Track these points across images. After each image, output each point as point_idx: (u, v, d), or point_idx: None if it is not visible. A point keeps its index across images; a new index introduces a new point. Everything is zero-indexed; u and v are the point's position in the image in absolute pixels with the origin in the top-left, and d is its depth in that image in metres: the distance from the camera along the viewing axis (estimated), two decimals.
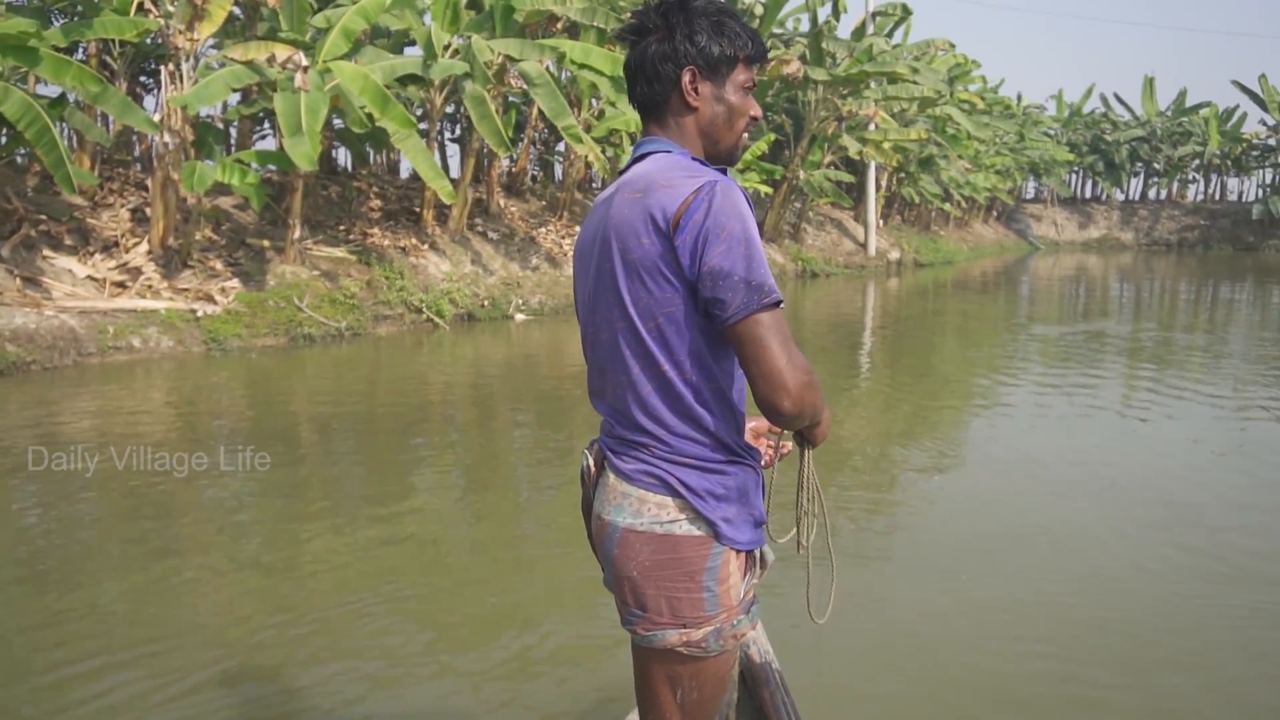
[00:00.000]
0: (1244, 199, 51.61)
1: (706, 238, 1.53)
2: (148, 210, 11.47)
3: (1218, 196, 51.97)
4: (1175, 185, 51.98)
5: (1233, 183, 52.50)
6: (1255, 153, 48.28)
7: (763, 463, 1.80)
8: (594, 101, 17.08)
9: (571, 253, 16.22)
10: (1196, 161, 49.19)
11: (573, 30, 15.41)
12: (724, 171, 1.65)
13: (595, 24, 13.97)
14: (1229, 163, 48.51)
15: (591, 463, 1.77)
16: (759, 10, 21.92)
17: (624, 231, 1.61)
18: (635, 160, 1.72)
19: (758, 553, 1.71)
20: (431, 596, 4.04)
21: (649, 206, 1.58)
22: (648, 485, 1.64)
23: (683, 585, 1.63)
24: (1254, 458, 6.42)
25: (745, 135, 1.77)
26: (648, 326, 1.61)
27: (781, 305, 1.56)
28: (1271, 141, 46.80)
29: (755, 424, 1.83)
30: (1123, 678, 3.30)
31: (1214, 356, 11.45)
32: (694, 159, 1.68)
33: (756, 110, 1.78)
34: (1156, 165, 50.77)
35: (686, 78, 1.68)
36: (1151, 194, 53.46)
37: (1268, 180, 48.75)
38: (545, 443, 7.06)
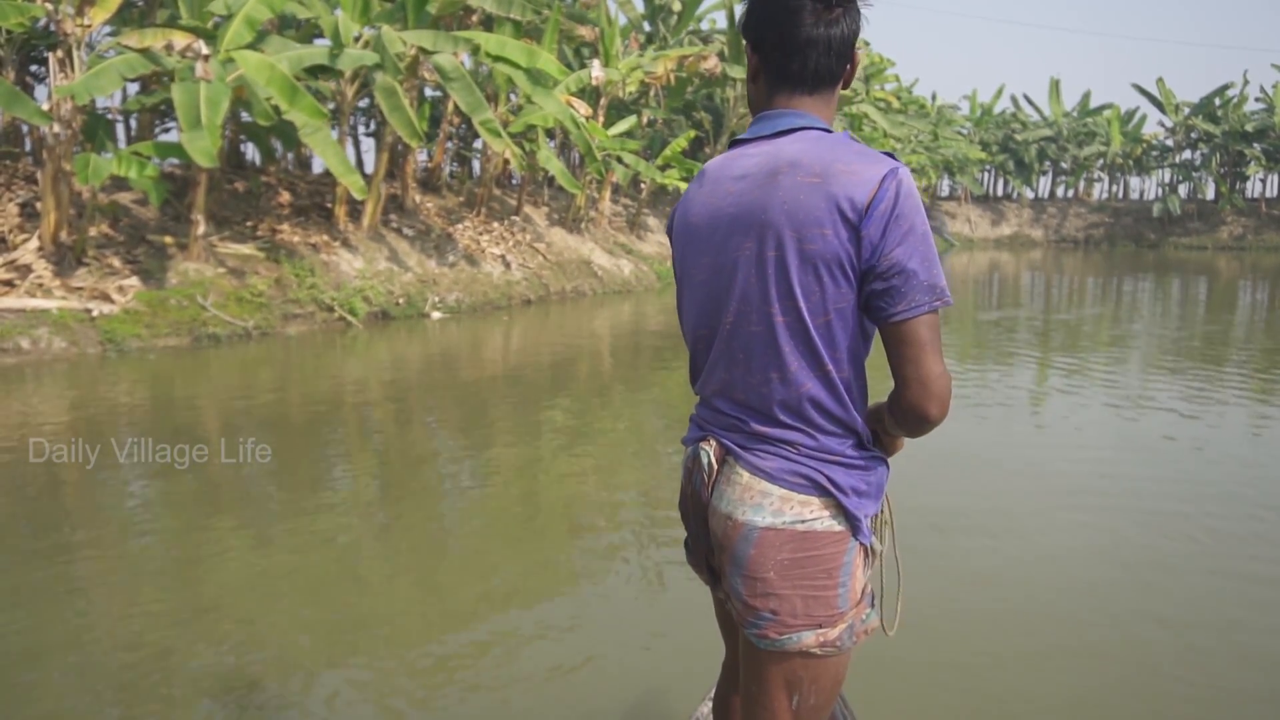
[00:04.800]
0: (1145, 198, 53.74)
1: (890, 228, 1.49)
2: (38, 205, 10.91)
3: (1121, 195, 54.00)
4: (1081, 184, 53.85)
5: (1134, 182, 54.65)
6: (1155, 153, 50.32)
7: None
8: (511, 96, 16.88)
9: (487, 248, 16.05)
10: (1101, 161, 51.02)
11: (487, 23, 15.20)
12: (892, 156, 1.58)
13: (511, 16, 13.78)
14: (1131, 162, 50.44)
15: (714, 459, 1.66)
16: (677, 6, 21.95)
17: (803, 220, 1.52)
18: (778, 133, 1.62)
19: (870, 544, 1.68)
20: (354, 607, 3.87)
21: (834, 195, 1.50)
22: (794, 485, 1.58)
23: (821, 583, 1.59)
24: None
25: None
26: (817, 322, 1.55)
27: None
28: (1169, 142, 48.82)
29: None
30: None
31: (1124, 348, 11.82)
32: (846, 135, 1.62)
33: None
34: (1064, 164, 52.52)
35: (859, 55, 1.68)
36: (1060, 192, 55.26)
37: (1166, 179, 50.86)
38: (465, 444, 6.90)
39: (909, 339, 1.51)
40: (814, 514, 1.58)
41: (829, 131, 1.62)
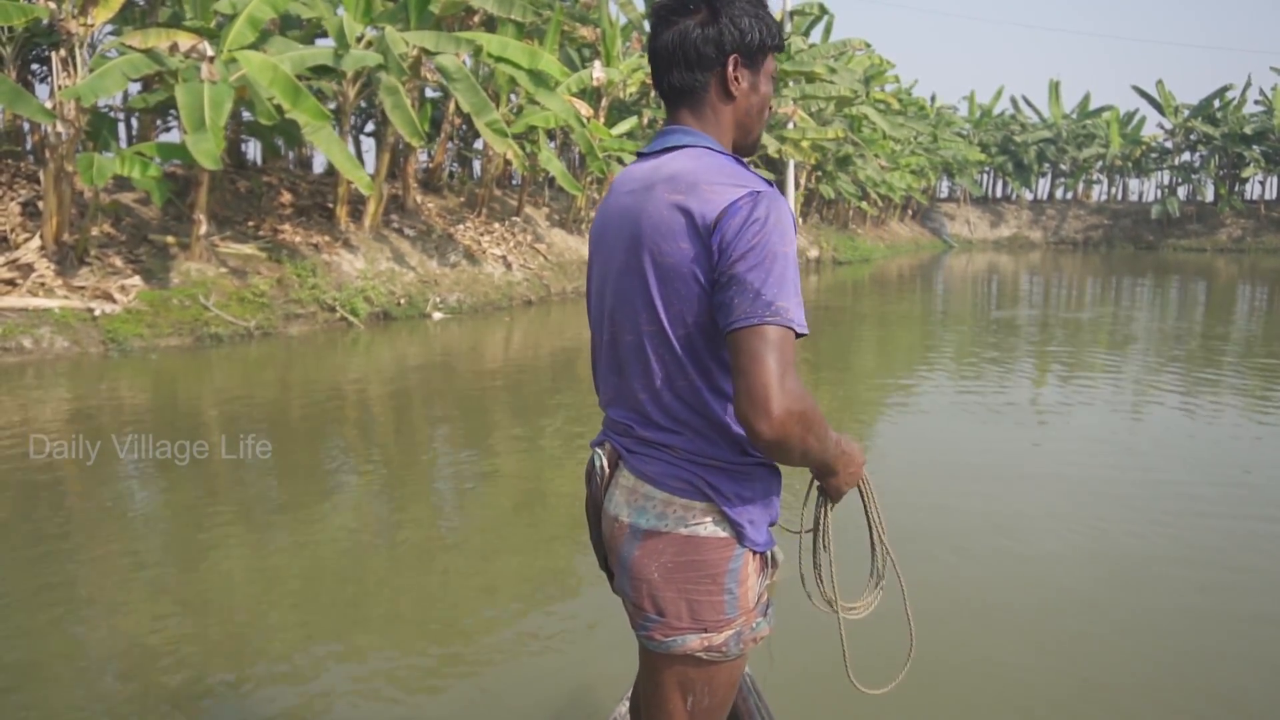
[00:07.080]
0: (1144, 199, 53.85)
1: (735, 243, 1.45)
2: (40, 204, 10.91)
3: (1120, 197, 54.13)
4: (1081, 186, 53.96)
5: (1133, 184, 54.80)
6: (1154, 155, 50.44)
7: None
8: (512, 97, 16.89)
9: (488, 249, 16.08)
10: (1100, 163, 51.14)
11: (489, 24, 15.21)
12: (770, 183, 1.57)
13: (512, 17, 13.79)
14: (1130, 164, 50.56)
15: (605, 463, 1.70)
16: None
17: (660, 233, 1.54)
18: (665, 150, 1.64)
19: (769, 553, 1.67)
20: (357, 605, 3.89)
21: (690, 210, 1.51)
22: (675, 489, 1.59)
23: (705, 588, 1.59)
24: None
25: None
26: (678, 333, 1.55)
27: (794, 331, 1.44)
28: (1169, 144, 48.90)
29: None
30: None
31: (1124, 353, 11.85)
32: (732, 158, 1.61)
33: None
34: (1063, 166, 52.64)
35: (731, 65, 1.62)
36: (1059, 194, 55.39)
37: (1165, 181, 50.96)
38: (465, 444, 6.91)
39: (739, 348, 1.43)
40: (696, 519, 1.59)
41: (715, 151, 1.61)
